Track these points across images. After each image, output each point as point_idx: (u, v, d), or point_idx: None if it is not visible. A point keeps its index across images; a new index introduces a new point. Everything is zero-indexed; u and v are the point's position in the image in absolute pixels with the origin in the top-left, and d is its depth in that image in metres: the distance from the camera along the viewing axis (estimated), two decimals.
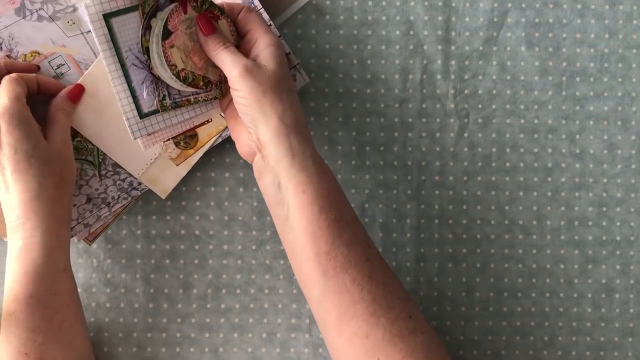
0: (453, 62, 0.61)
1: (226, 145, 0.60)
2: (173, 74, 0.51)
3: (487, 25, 0.61)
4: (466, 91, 0.61)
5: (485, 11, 0.60)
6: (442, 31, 0.61)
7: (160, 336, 0.60)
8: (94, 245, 0.60)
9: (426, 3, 0.60)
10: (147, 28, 0.51)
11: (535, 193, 0.61)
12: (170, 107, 0.53)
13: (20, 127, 0.50)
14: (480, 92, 0.61)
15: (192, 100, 0.53)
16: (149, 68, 0.51)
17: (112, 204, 0.57)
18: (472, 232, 0.61)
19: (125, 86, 0.52)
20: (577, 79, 0.61)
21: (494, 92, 0.61)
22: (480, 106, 0.61)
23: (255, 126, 0.49)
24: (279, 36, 0.56)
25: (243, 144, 0.52)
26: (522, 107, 0.61)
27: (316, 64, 0.60)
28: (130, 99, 0.52)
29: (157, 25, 0.50)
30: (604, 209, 0.62)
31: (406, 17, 0.60)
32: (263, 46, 0.50)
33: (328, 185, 0.49)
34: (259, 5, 0.55)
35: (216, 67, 0.52)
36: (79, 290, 0.60)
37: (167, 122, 0.54)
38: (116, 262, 0.60)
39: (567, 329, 0.61)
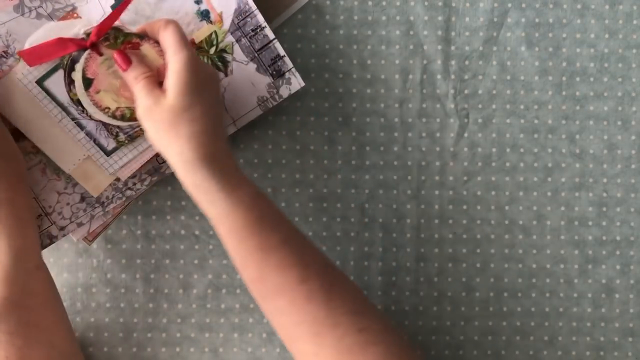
0: (453, 62, 0.61)
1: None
2: (109, 116, 0.52)
3: (487, 25, 0.61)
4: (466, 91, 0.61)
5: (485, 11, 0.60)
6: (442, 31, 0.61)
7: (160, 336, 0.60)
8: (94, 245, 0.60)
9: (426, 3, 0.60)
10: (70, 84, 0.52)
11: (535, 193, 0.61)
12: (127, 141, 0.55)
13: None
14: (480, 92, 0.61)
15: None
16: (89, 117, 0.53)
17: (106, 204, 0.57)
18: (472, 232, 0.61)
19: (83, 134, 0.54)
20: (577, 79, 0.61)
21: (494, 92, 0.61)
22: (480, 106, 0.61)
23: (165, 159, 0.49)
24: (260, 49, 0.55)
25: None
26: (522, 107, 0.61)
27: (316, 64, 0.60)
28: (92, 143, 0.55)
29: (77, 77, 0.52)
30: (604, 209, 0.62)
31: (406, 17, 0.60)
32: (169, 73, 0.48)
33: (244, 215, 0.47)
34: (254, 7, 0.55)
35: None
36: (79, 290, 0.60)
37: (133, 152, 0.56)
38: (116, 262, 0.60)
39: (567, 329, 0.61)
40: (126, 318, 0.60)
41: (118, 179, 0.57)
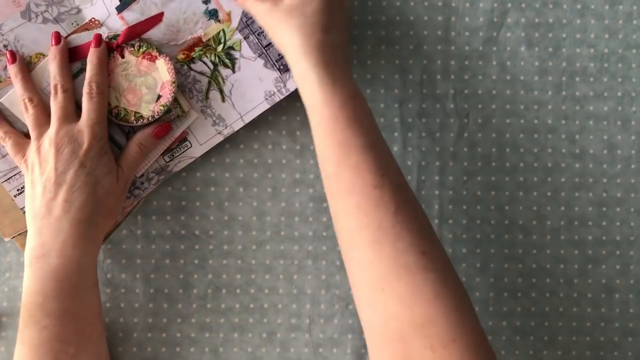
0: (453, 62, 0.61)
1: (226, 145, 0.60)
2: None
3: (487, 25, 0.61)
4: (466, 91, 0.61)
5: (485, 11, 0.60)
6: (442, 31, 0.61)
7: (160, 336, 0.60)
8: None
9: (426, 3, 0.60)
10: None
11: (535, 193, 0.61)
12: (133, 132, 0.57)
13: (100, 156, 0.53)
14: (480, 92, 0.61)
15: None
16: None
17: None
18: (472, 232, 0.61)
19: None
20: (577, 79, 0.61)
21: (494, 92, 0.61)
22: (480, 106, 0.61)
23: (284, 54, 0.52)
24: None
25: None
26: (522, 107, 0.61)
27: None
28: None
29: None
30: (604, 209, 0.62)
31: (406, 17, 0.60)
32: None
33: (335, 110, 0.48)
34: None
35: (150, 104, 0.55)
36: None
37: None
38: (116, 262, 0.60)
39: (567, 329, 0.61)
40: (126, 318, 0.60)
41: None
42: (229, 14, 0.56)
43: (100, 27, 0.56)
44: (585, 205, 0.61)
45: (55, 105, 0.53)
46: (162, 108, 0.55)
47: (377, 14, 0.60)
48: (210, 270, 0.61)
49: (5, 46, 0.55)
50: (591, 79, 0.61)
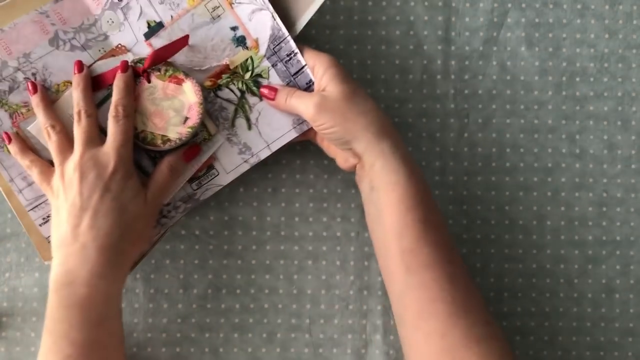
0: (453, 62, 0.61)
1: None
2: (133, 134, 0.53)
3: (487, 25, 0.61)
4: (466, 91, 0.61)
5: (485, 11, 0.60)
6: (442, 31, 0.61)
7: (160, 336, 0.60)
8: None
9: (426, 3, 0.60)
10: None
11: (535, 193, 0.61)
12: (159, 156, 0.56)
13: (126, 179, 0.51)
14: (480, 92, 0.61)
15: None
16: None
17: None
18: (472, 232, 0.61)
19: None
20: (577, 79, 0.61)
21: (494, 92, 0.61)
22: (480, 106, 0.61)
23: (348, 144, 0.52)
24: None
25: (343, 161, 0.54)
26: (522, 107, 0.61)
27: None
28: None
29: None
30: (604, 209, 0.62)
31: (406, 17, 0.60)
32: (322, 72, 0.53)
33: (416, 186, 0.51)
34: (286, 33, 0.55)
35: (177, 126, 0.54)
36: None
37: None
38: None
39: (567, 329, 0.61)
40: (126, 318, 0.60)
41: None
42: (256, 41, 0.55)
43: (126, 53, 0.56)
44: (585, 205, 0.61)
45: (78, 130, 0.52)
46: (189, 130, 0.54)
47: (377, 14, 0.60)
48: (210, 270, 0.61)
49: (33, 74, 0.54)
50: (591, 79, 0.61)
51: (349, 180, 0.61)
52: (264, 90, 0.55)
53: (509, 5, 0.60)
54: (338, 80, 0.52)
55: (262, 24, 0.55)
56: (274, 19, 0.55)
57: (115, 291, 0.52)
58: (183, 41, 0.54)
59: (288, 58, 0.56)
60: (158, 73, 0.54)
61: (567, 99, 0.61)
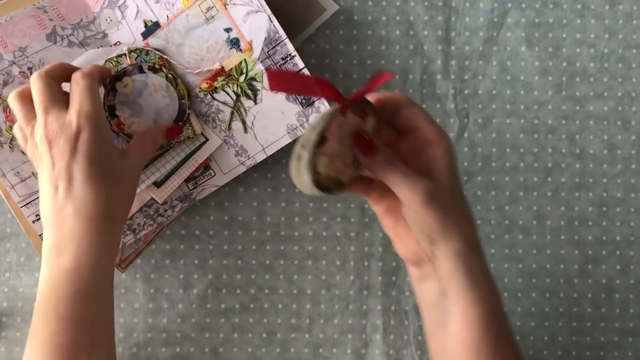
0: (453, 62, 0.61)
1: None
2: (312, 181, 0.42)
3: (487, 25, 0.61)
4: (466, 91, 0.61)
5: (485, 11, 0.60)
6: (442, 31, 0.61)
7: (160, 336, 0.60)
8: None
9: (426, 3, 0.60)
10: (111, 90, 0.54)
11: (535, 193, 0.61)
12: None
13: (100, 137, 0.48)
14: (480, 92, 0.61)
15: (164, 145, 0.56)
16: (110, 125, 0.54)
17: (137, 231, 0.57)
18: None
19: None
20: (577, 79, 0.61)
21: (494, 92, 0.61)
22: (480, 106, 0.61)
23: (432, 243, 0.44)
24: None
25: (408, 250, 0.47)
26: (522, 107, 0.61)
27: (316, 64, 0.60)
28: None
29: (314, 132, 0.41)
30: (604, 209, 0.62)
31: (406, 17, 0.60)
32: (436, 153, 0.44)
33: (497, 303, 0.46)
34: (284, 36, 0.55)
35: (352, 169, 0.45)
36: None
37: (161, 170, 0.56)
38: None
39: (567, 329, 0.61)
40: (126, 318, 0.60)
41: (149, 206, 0.57)
42: (250, 43, 0.55)
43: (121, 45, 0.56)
44: (585, 205, 0.61)
45: (36, 92, 0.48)
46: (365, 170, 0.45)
47: (377, 13, 0.60)
48: (210, 270, 0.61)
49: (29, 68, 0.54)
50: (591, 79, 0.61)
51: None
52: (361, 143, 0.44)
53: (509, 5, 0.60)
54: (450, 171, 0.44)
55: (258, 26, 0.55)
56: (271, 22, 0.54)
57: (105, 262, 0.49)
58: (386, 76, 0.43)
59: (283, 62, 0.55)
60: (352, 107, 0.43)
61: (567, 99, 0.61)
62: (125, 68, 0.54)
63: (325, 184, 0.43)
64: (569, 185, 0.61)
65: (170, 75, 0.55)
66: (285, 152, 0.61)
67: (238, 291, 0.61)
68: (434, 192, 0.43)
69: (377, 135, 0.45)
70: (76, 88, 0.49)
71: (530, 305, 0.61)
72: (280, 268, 0.61)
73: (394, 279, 0.61)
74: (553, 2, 0.61)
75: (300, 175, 0.44)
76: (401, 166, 0.43)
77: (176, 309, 0.60)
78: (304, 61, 0.60)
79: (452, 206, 0.44)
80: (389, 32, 0.60)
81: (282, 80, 0.42)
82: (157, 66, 0.55)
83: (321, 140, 0.42)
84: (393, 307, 0.61)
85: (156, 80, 0.55)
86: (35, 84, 0.48)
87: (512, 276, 0.61)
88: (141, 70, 0.54)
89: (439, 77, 0.61)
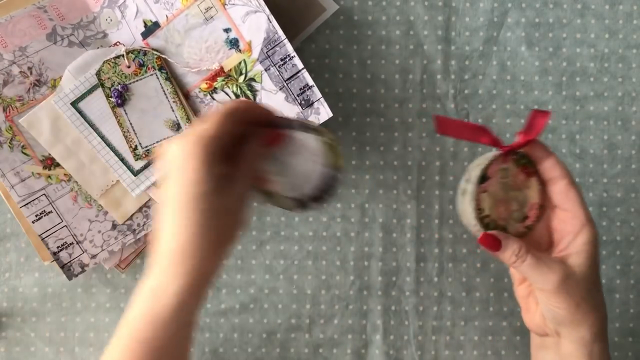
0: (453, 62, 0.61)
1: None
2: (477, 217, 0.47)
3: (487, 25, 0.61)
4: (466, 91, 0.61)
5: (485, 11, 0.60)
6: (442, 31, 0.61)
7: None
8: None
9: (426, 3, 0.60)
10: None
11: None
12: (144, 155, 0.56)
13: (206, 166, 0.41)
14: (480, 92, 0.61)
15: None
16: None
17: (137, 231, 0.57)
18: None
19: (112, 154, 0.56)
20: (577, 79, 0.61)
21: (494, 92, 0.61)
22: (480, 106, 0.61)
23: (558, 325, 0.46)
24: None
25: (534, 323, 0.49)
26: (522, 107, 0.61)
27: (316, 64, 0.60)
28: (120, 163, 0.56)
29: (478, 168, 0.47)
30: (604, 209, 0.61)
31: (406, 17, 0.60)
32: (581, 242, 0.45)
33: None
34: (283, 36, 0.54)
35: (517, 222, 0.48)
36: (79, 290, 0.60)
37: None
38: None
39: None
40: None
41: (149, 206, 0.57)
42: (249, 44, 0.55)
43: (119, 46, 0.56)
44: None
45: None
46: (525, 230, 0.48)
47: (377, 14, 0.60)
48: None
49: (29, 68, 0.55)
50: (591, 79, 0.61)
51: (348, 180, 0.61)
52: (484, 240, 0.46)
53: (509, 5, 0.60)
54: (590, 263, 0.45)
55: (257, 26, 0.55)
56: (270, 22, 0.54)
57: (190, 300, 0.43)
58: (545, 116, 0.47)
59: (282, 62, 0.55)
60: (514, 157, 0.47)
61: (567, 99, 0.61)
62: (292, 121, 0.48)
63: (492, 227, 0.47)
64: None
65: (329, 142, 0.47)
66: None
67: (238, 291, 0.61)
68: (567, 281, 0.44)
69: (542, 197, 0.48)
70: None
71: None
72: (280, 268, 0.61)
73: (394, 279, 0.61)
74: (553, 2, 0.61)
75: (464, 209, 0.48)
76: (530, 260, 0.45)
77: None
78: (303, 61, 0.60)
79: (584, 296, 0.44)
80: (389, 32, 0.60)
81: (449, 127, 0.48)
82: (312, 128, 0.47)
83: (483, 177, 0.47)
84: (393, 307, 0.61)
85: (313, 143, 0.46)
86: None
87: None
88: (305, 128, 0.47)
89: (439, 77, 0.61)
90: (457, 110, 0.61)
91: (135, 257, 0.58)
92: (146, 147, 0.56)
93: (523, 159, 0.48)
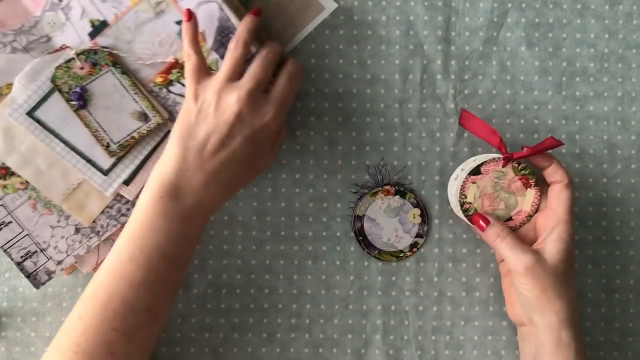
0: (453, 62, 0.61)
1: None
2: (459, 201, 0.54)
3: (487, 25, 0.61)
4: (466, 91, 0.61)
5: (485, 11, 0.60)
6: (442, 31, 0.61)
7: (160, 336, 0.60)
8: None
9: (426, 3, 0.60)
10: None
11: None
12: (118, 151, 0.55)
13: (272, 135, 0.52)
14: (480, 92, 0.61)
15: (137, 136, 0.55)
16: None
17: (101, 233, 0.57)
18: (472, 232, 0.61)
19: (79, 157, 0.55)
20: (577, 79, 0.61)
21: (494, 92, 0.61)
22: (480, 106, 0.61)
23: (529, 311, 0.52)
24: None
25: (513, 312, 0.55)
26: (522, 107, 0.61)
27: (316, 64, 0.60)
28: (89, 165, 0.55)
29: (474, 162, 0.55)
30: (604, 209, 0.61)
31: (406, 17, 0.60)
32: (555, 237, 0.52)
33: None
34: (236, 23, 0.54)
35: (502, 218, 0.55)
36: (79, 290, 0.60)
37: (131, 167, 0.56)
38: None
39: None
40: None
41: (110, 206, 0.57)
42: (202, 34, 0.55)
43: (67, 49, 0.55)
44: (585, 205, 0.61)
45: (229, 55, 0.52)
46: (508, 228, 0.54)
47: (377, 13, 0.60)
48: (210, 270, 0.61)
49: None
50: (591, 79, 0.61)
51: (348, 180, 0.61)
52: (477, 219, 0.54)
53: (509, 5, 0.60)
54: (562, 256, 0.51)
55: (209, 16, 0.54)
56: (222, 10, 0.54)
57: (213, 209, 0.52)
58: (557, 143, 0.53)
59: None
60: (515, 165, 0.54)
61: (567, 99, 0.61)
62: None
63: (470, 212, 0.54)
64: None
65: None
66: (285, 153, 0.61)
67: (238, 291, 0.61)
68: (536, 266, 0.50)
69: (534, 209, 0.54)
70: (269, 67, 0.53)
71: None
72: (280, 268, 0.61)
73: (394, 279, 0.61)
74: (553, 2, 0.61)
75: (452, 192, 0.56)
76: (508, 239, 0.52)
77: (176, 309, 0.60)
78: (303, 61, 0.60)
79: (551, 283, 0.50)
80: (389, 32, 0.60)
81: (471, 123, 0.56)
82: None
83: (477, 171, 0.54)
84: (393, 307, 0.61)
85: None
86: (238, 50, 0.52)
87: None
88: None
89: (439, 77, 0.61)
90: (457, 110, 0.61)
91: None
92: (118, 142, 0.55)
93: (525, 169, 0.53)
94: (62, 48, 0.55)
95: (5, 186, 0.55)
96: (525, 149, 0.52)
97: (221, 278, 0.61)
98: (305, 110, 0.60)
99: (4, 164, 0.55)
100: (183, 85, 0.56)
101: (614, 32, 0.61)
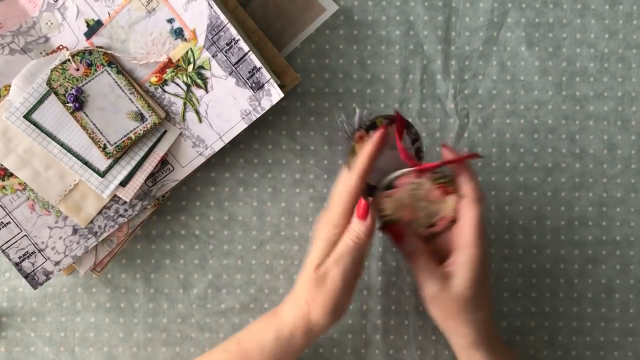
0: (453, 62, 0.61)
1: (226, 145, 0.60)
2: (380, 215, 0.52)
3: (487, 25, 0.61)
4: (466, 91, 0.61)
5: (485, 11, 0.60)
6: (442, 31, 0.61)
7: (160, 336, 0.60)
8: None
9: (426, 3, 0.60)
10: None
11: (535, 193, 0.61)
12: (115, 152, 0.55)
13: (351, 267, 0.49)
14: (480, 92, 0.61)
15: (133, 136, 0.55)
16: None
17: (99, 233, 0.57)
18: None
19: (75, 159, 0.55)
20: (577, 79, 0.61)
21: (494, 92, 0.61)
22: (480, 106, 0.61)
23: (444, 331, 0.53)
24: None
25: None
26: (522, 107, 0.61)
27: (316, 64, 0.60)
28: (85, 167, 0.55)
29: (387, 179, 0.52)
30: (604, 209, 0.62)
31: (406, 17, 0.60)
32: (462, 260, 0.50)
33: None
34: (225, 21, 0.54)
35: (420, 227, 0.53)
36: (79, 290, 0.60)
37: (127, 169, 0.56)
38: (116, 262, 0.60)
39: (567, 329, 0.61)
40: (126, 318, 0.60)
41: (108, 207, 0.57)
42: (194, 32, 0.55)
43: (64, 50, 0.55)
44: (585, 205, 0.61)
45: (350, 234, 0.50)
46: (428, 235, 0.53)
47: (377, 14, 0.60)
48: (210, 270, 0.61)
49: None
50: (591, 79, 0.61)
51: None
52: (393, 230, 0.53)
53: (509, 5, 0.61)
54: (468, 282, 0.49)
55: (199, 13, 0.54)
56: (211, 7, 0.54)
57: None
58: (472, 156, 0.52)
59: (228, 47, 0.55)
60: (430, 175, 0.51)
61: (567, 99, 0.61)
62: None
63: (387, 222, 0.52)
64: (569, 185, 0.61)
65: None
66: (285, 152, 0.60)
67: (238, 291, 0.61)
68: (438, 295, 0.50)
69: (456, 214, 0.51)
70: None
71: (530, 305, 0.61)
72: (280, 268, 0.61)
73: (394, 279, 0.61)
74: (553, 2, 0.61)
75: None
76: (421, 261, 0.51)
77: (176, 309, 0.60)
78: (304, 61, 0.60)
79: (456, 311, 0.50)
80: (389, 32, 0.60)
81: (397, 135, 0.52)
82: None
83: (389, 186, 0.52)
84: (393, 307, 0.61)
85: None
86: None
87: (512, 276, 0.61)
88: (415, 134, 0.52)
89: (439, 77, 0.61)
90: (457, 110, 0.61)
91: (110, 259, 0.58)
92: (115, 143, 0.55)
93: (442, 178, 0.52)
94: (60, 48, 0.55)
95: (3, 187, 0.55)
96: (445, 156, 0.51)
97: (221, 278, 0.61)
98: (305, 110, 0.61)
99: (1, 165, 0.55)
100: (177, 84, 0.56)
101: (614, 32, 0.61)
